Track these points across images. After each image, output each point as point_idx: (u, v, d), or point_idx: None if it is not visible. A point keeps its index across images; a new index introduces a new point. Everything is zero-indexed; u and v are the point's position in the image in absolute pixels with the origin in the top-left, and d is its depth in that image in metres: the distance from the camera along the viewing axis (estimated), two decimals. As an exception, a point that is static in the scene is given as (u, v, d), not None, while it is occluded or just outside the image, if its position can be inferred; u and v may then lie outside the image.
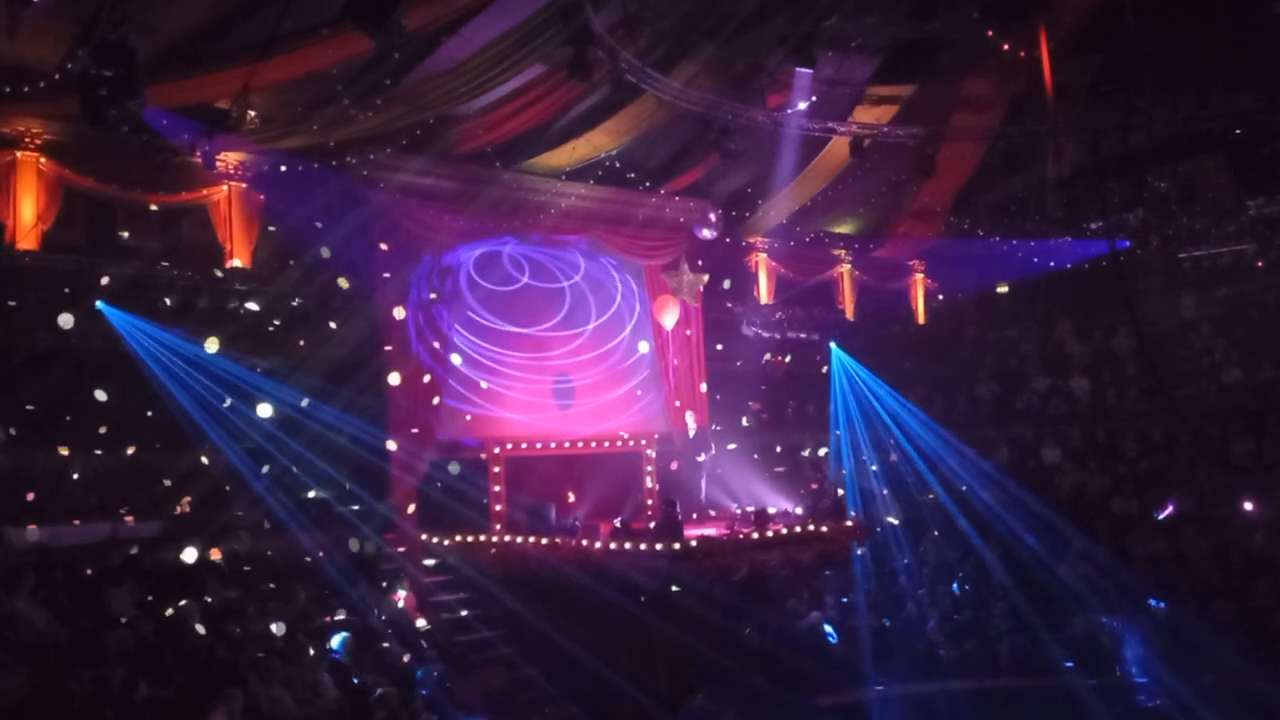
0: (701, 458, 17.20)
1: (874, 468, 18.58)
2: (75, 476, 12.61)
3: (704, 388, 18.30)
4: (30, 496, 12.07)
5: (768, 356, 20.46)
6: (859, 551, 16.17)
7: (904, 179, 18.80)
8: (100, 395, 12.57)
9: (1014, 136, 17.49)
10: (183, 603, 10.27)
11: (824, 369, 20.20)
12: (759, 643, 13.86)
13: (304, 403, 13.56)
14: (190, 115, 12.42)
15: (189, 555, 11.73)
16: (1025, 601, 14.81)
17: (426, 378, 15.00)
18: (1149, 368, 18.06)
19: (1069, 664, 14.04)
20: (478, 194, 15.40)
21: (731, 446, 18.43)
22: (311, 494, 13.51)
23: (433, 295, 15.33)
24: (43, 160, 12.66)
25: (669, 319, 17.72)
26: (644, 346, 18.09)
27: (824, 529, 15.47)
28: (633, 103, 14.75)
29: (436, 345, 15.26)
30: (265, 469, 13.17)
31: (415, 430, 14.70)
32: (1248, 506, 16.07)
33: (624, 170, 17.23)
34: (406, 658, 11.71)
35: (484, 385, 16.24)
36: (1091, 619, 14.45)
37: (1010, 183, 20.39)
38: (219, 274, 13.96)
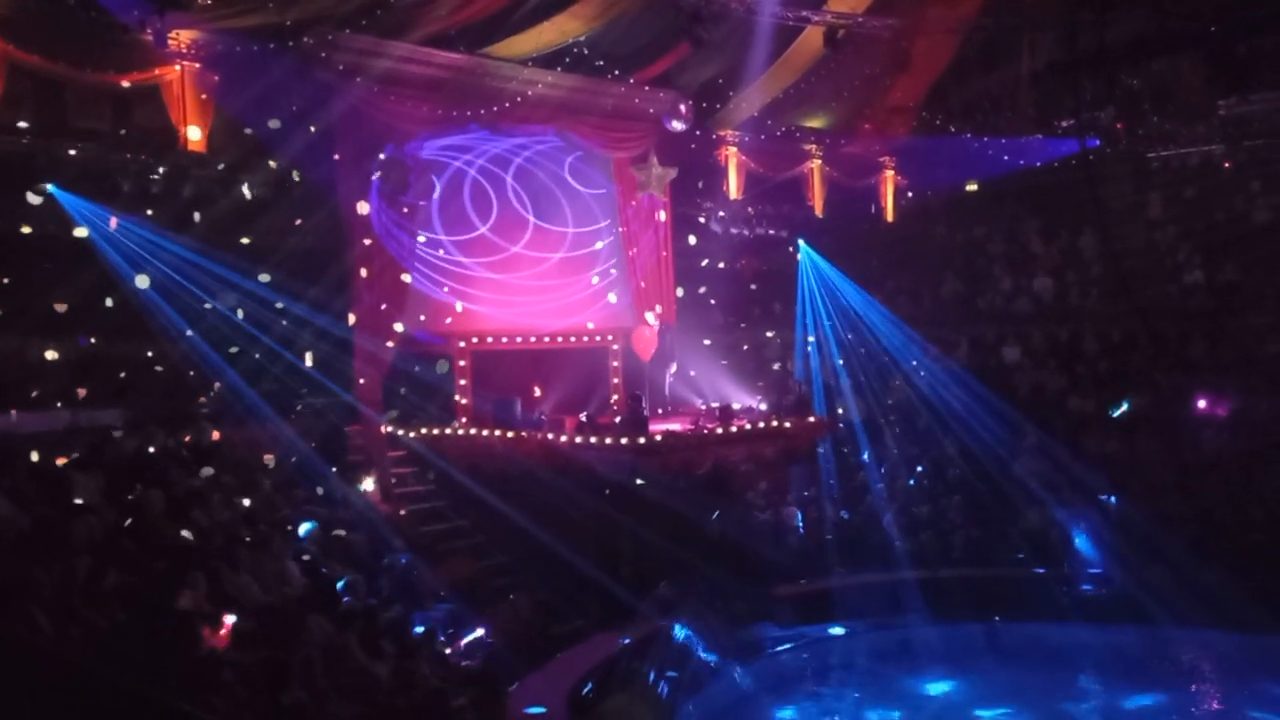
0: (672, 369, 17.19)
1: (839, 362, 18.70)
2: (33, 363, 12.40)
3: (672, 284, 18.22)
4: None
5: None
6: (821, 448, 16.41)
7: (878, 73, 18.49)
8: (56, 282, 12.30)
9: (990, 29, 17.20)
10: (146, 490, 10.23)
11: (792, 266, 20.16)
12: (721, 535, 14.11)
13: (265, 292, 13.38)
14: (140, -10, 11.90)
15: (151, 443, 11.66)
16: (980, 496, 15.13)
17: (390, 269, 14.80)
18: (1113, 268, 18.14)
19: (1020, 555, 14.44)
20: (440, 79, 14.96)
21: (707, 342, 18.45)
22: (275, 384, 13.41)
23: (394, 186, 14.98)
24: (-15, 35, 12.10)
25: (647, 349, 17.26)
26: (610, 241, 17.89)
27: (788, 425, 15.64)
28: (602, -15, 14.31)
29: (399, 236, 15.00)
30: (228, 358, 13.04)
31: (379, 322, 14.56)
32: (1200, 405, 16.41)
33: (592, 58, 16.76)
34: (372, 547, 11.81)
35: (446, 284, 16.03)
36: (1044, 513, 14.81)
37: (985, 80, 20.14)
38: (174, 158, 13.55)
